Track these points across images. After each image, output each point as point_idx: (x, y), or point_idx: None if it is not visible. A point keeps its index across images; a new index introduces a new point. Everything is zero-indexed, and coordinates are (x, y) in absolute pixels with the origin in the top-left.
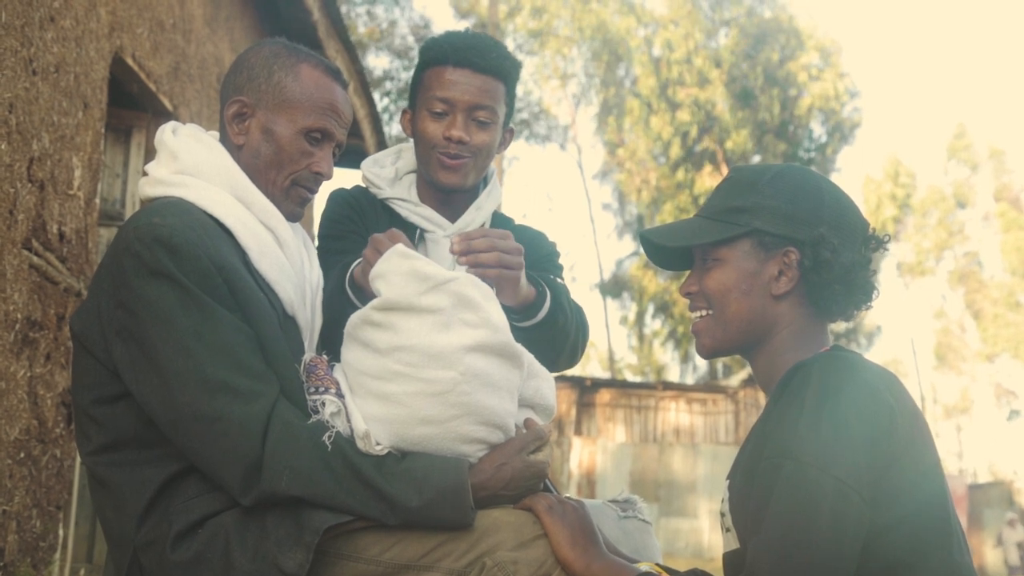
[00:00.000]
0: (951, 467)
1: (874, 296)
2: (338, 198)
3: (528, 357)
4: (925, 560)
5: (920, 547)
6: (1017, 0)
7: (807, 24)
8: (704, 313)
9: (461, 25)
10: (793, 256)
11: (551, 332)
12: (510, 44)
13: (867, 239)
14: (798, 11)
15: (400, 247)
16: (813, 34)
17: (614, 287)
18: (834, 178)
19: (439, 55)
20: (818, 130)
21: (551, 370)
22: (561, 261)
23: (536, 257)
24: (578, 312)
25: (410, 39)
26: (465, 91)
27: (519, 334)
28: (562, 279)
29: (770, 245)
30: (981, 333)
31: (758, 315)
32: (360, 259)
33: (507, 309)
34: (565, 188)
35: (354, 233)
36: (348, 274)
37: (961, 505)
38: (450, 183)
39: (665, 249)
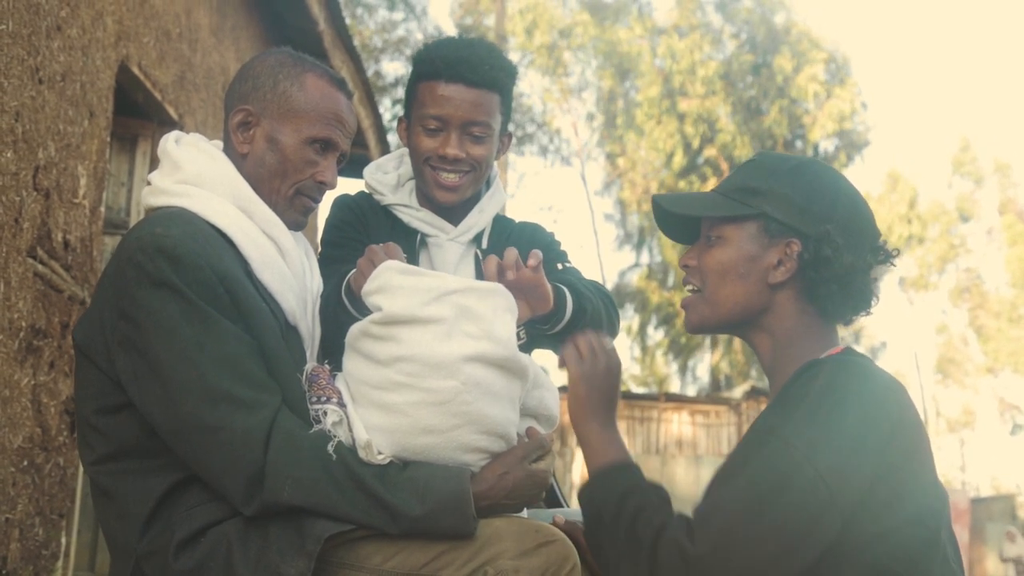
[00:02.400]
0: (954, 481)
1: (873, 303)
2: (341, 205)
3: (533, 367)
4: (912, 572)
5: (908, 559)
6: (1022, 12)
7: (818, 32)
8: (696, 288)
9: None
10: (795, 248)
11: (585, 322)
12: (514, 58)
13: (875, 248)
14: (809, 18)
15: (394, 262)
16: (824, 45)
17: (617, 298)
18: None
19: (431, 69)
20: (825, 144)
21: None
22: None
23: (538, 248)
24: (597, 289)
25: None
26: (458, 107)
27: (560, 337)
28: (570, 262)
29: (775, 233)
30: (983, 347)
31: (752, 300)
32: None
33: (538, 320)
34: (568, 199)
35: (356, 240)
36: (344, 282)
37: (964, 519)
38: (446, 201)
39: (675, 220)
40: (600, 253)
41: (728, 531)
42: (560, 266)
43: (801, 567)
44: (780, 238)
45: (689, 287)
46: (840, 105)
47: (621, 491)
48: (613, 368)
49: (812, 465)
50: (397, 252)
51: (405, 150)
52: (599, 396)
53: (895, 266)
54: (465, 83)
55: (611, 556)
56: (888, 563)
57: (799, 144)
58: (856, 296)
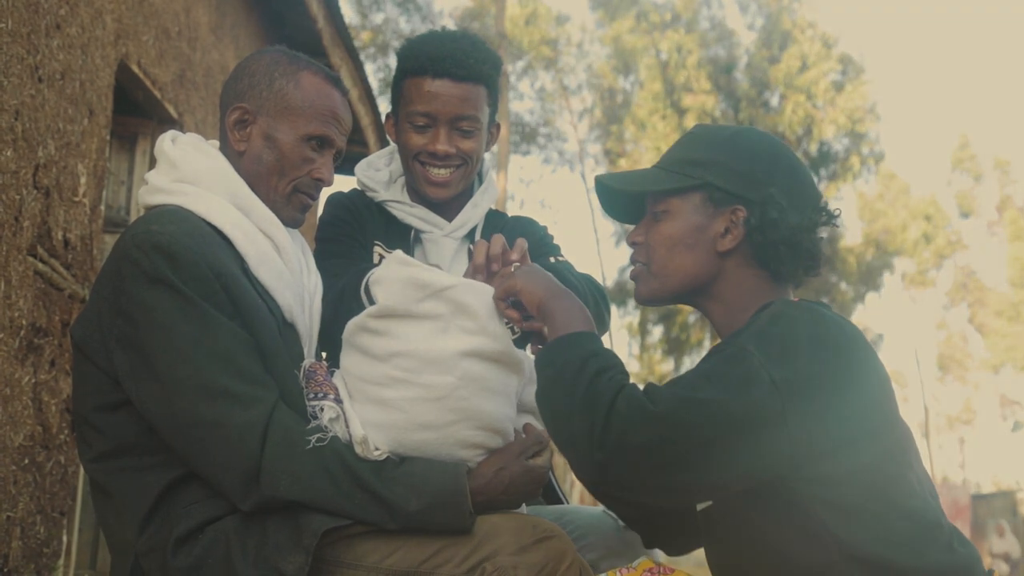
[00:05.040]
0: (954, 477)
1: (822, 262)
2: (335, 202)
3: (529, 363)
4: (887, 507)
5: (880, 495)
6: (1020, 10)
7: (826, 27)
8: (644, 263)
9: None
10: (741, 214)
11: None
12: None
13: (817, 208)
14: (819, 16)
15: (399, 253)
16: (836, 44)
17: (618, 294)
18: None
19: (416, 65)
20: (836, 145)
21: None
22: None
23: (531, 242)
24: (588, 281)
25: None
26: (446, 103)
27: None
28: (563, 256)
29: (720, 201)
30: (985, 343)
31: (701, 269)
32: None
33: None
34: (567, 197)
35: (351, 237)
36: (365, 280)
37: (964, 515)
38: (437, 197)
39: (619, 199)
40: (600, 251)
41: (688, 400)
42: (553, 259)
43: (744, 469)
44: (725, 206)
45: (640, 263)
46: (855, 100)
47: (586, 353)
48: (535, 264)
49: (768, 373)
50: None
51: (395, 146)
52: (549, 281)
53: (837, 226)
54: (452, 78)
55: (564, 411)
56: (862, 501)
57: (805, 142)
58: (805, 256)
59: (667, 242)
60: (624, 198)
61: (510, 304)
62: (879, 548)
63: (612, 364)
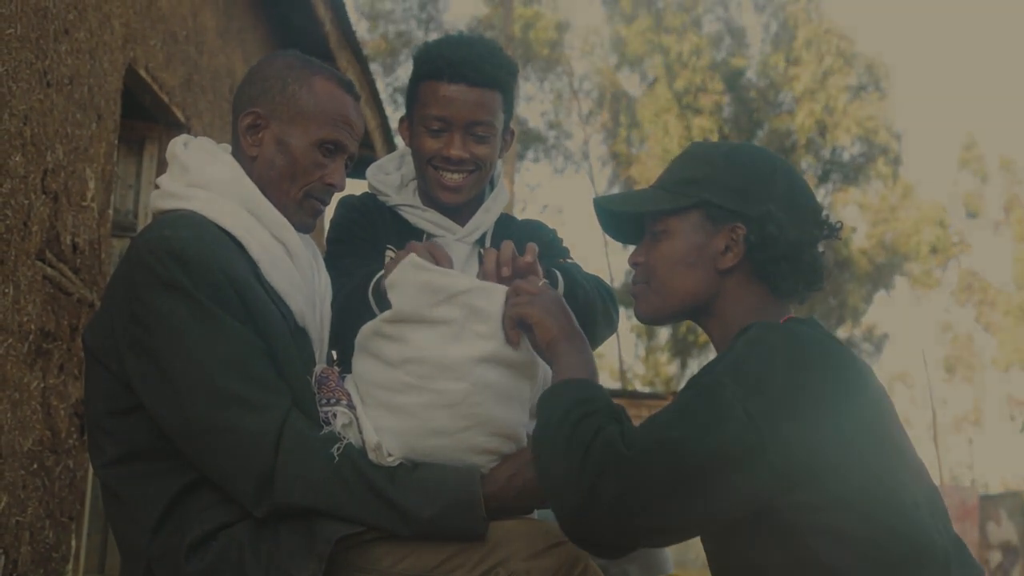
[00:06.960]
0: (963, 478)
1: (824, 276)
2: (347, 205)
3: (543, 367)
4: (877, 530)
5: (869, 519)
6: None
7: (842, 30)
8: (645, 282)
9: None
10: (740, 231)
11: (576, 307)
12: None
13: (819, 222)
14: (836, 17)
15: (414, 257)
16: (856, 53)
17: (625, 296)
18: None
19: (432, 69)
20: (850, 150)
21: (595, 343)
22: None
23: (541, 245)
24: (596, 282)
25: None
26: (461, 107)
27: None
28: (571, 259)
29: (719, 219)
30: (993, 343)
31: (702, 288)
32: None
33: None
34: (574, 198)
35: (362, 239)
36: (373, 282)
37: (972, 516)
38: (450, 202)
39: (618, 219)
40: (608, 252)
41: (661, 440)
42: (561, 262)
43: (725, 504)
44: (724, 224)
45: (639, 282)
46: (867, 109)
47: (577, 398)
48: (558, 295)
49: (742, 405)
50: (441, 253)
51: (405, 150)
52: (566, 320)
53: (840, 239)
54: (467, 83)
55: (549, 454)
56: (849, 524)
57: (818, 145)
58: (807, 271)
59: (668, 262)
60: (623, 219)
61: (517, 326)
62: (869, 574)
63: (598, 409)
